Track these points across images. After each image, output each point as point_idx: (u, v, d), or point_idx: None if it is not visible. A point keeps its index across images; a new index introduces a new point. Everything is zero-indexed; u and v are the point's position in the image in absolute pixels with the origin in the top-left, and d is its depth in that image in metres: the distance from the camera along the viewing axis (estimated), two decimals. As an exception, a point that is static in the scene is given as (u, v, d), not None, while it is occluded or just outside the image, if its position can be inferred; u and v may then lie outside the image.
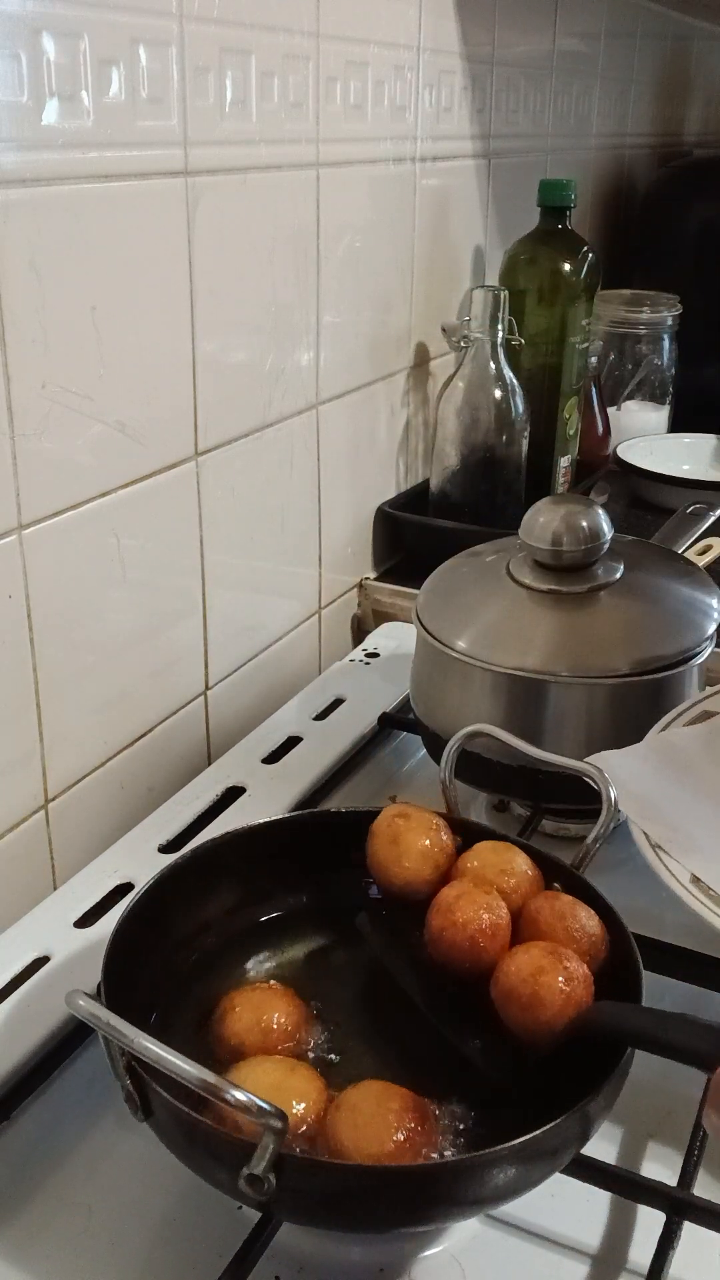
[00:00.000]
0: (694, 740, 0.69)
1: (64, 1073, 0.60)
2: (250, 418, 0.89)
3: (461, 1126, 0.51)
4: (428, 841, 0.61)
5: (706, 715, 0.72)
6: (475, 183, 1.21)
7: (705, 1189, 0.53)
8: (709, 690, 0.74)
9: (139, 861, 0.72)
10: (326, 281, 0.95)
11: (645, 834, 0.63)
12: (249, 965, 0.61)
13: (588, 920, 0.56)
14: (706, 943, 0.67)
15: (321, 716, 0.90)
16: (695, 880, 0.61)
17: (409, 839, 0.61)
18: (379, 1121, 0.47)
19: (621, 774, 0.64)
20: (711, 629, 0.76)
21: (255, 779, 0.82)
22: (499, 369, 1.09)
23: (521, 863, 0.60)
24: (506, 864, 0.60)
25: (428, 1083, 0.52)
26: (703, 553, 0.97)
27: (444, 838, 0.62)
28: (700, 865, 0.61)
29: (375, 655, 1.01)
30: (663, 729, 0.71)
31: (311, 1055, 0.55)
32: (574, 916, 0.56)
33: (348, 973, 0.61)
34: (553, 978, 0.51)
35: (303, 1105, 0.49)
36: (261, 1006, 0.55)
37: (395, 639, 1.04)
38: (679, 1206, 0.52)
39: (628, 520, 1.26)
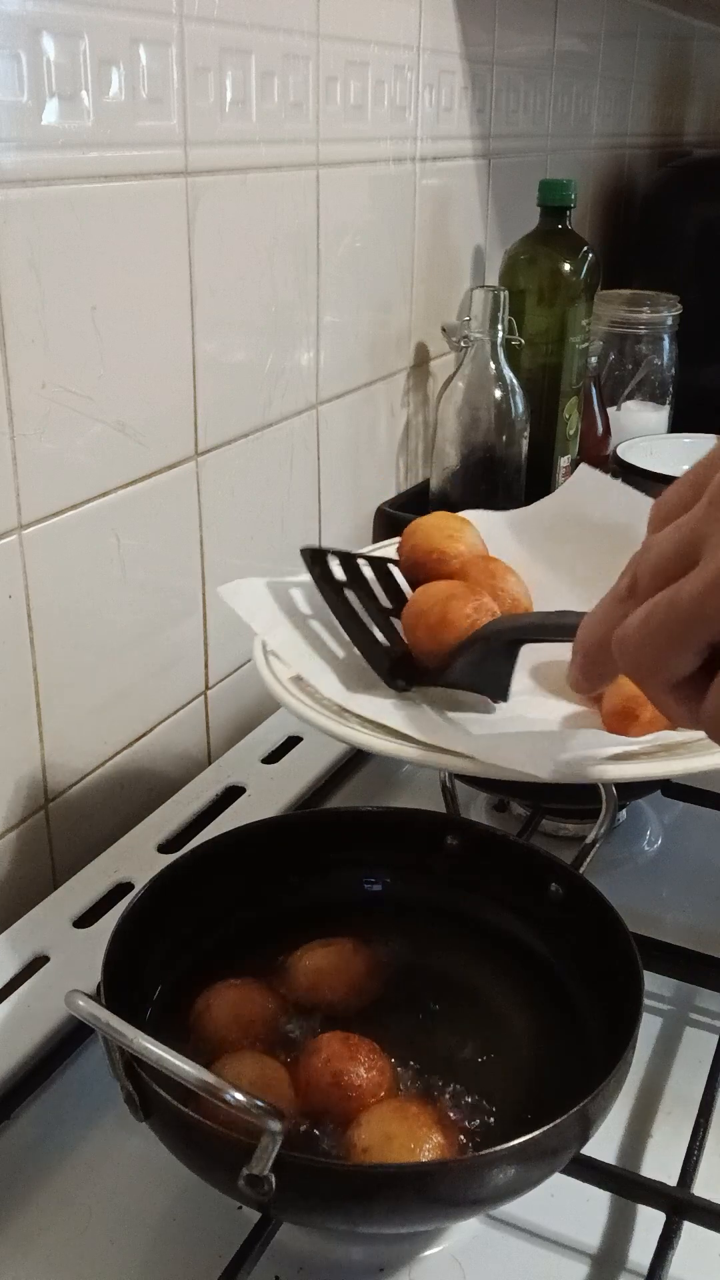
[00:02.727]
0: None
1: (64, 1073, 0.60)
2: (250, 418, 0.89)
3: (462, 1127, 0.51)
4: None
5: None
6: (475, 183, 1.21)
7: (705, 1189, 0.53)
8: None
9: (139, 861, 0.72)
10: (326, 281, 0.95)
11: (264, 643, 0.67)
12: (249, 965, 0.61)
13: (517, 586, 0.59)
14: (706, 943, 0.67)
15: (321, 716, 0.90)
16: (297, 679, 0.65)
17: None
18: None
19: (250, 596, 0.70)
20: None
21: (255, 779, 0.82)
22: (499, 369, 1.09)
23: (469, 533, 0.65)
24: (455, 529, 0.64)
25: (427, 1081, 0.53)
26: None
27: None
28: (306, 669, 0.65)
29: (375, 655, 1.01)
30: None
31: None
32: (505, 580, 0.60)
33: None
34: (463, 604, 0.54)
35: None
36: (238, 1004, 0.55)
37: (395, 639, 1.04)
38: (679, 1206, 0.52)
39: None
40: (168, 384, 0.79)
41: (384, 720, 0.60)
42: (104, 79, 0.68)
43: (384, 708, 0.61)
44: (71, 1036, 0.60)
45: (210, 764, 0.85)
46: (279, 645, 0.67)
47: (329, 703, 0.63)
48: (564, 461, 1.22)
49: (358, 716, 0.61)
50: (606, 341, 1.43)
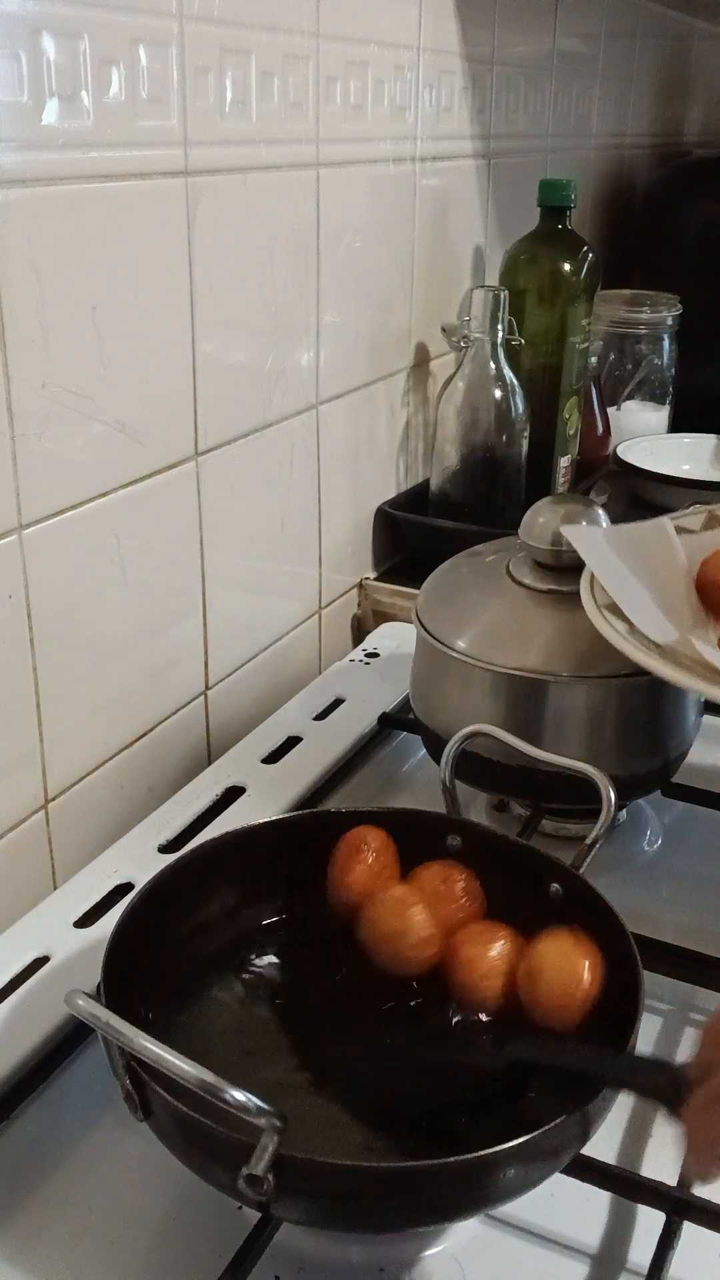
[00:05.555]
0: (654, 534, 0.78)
1: (64, 1073, 0.60)
2: (250, 418, 0.89)
3: (461, 1126, 0.51)
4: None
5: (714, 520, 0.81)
6: (475, 183, 1.21)
7: (705, 1189, 0.53)
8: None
9: (139, 861, 0.72)
10: (326, 281, 0.95)
11: (601, 590, 0.71)
12: (249, 965, 0.61)
13: None
14: (706, 943, 0.67)
15: (321, 716, 0.90)
16: (631, 629, 0.68)
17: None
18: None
19: (592, 542, 0.73)
20: (711, 629, 0.76)
21: (255, 779, 0.82)
22: (499, 369, 1.09)
23: None
24: None
25: (428, 1082, 0.53)
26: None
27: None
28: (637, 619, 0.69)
29: (375, 655, 1.01)
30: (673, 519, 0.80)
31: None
32: None
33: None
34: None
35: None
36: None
37: (395, 639, 1.04)
38: (679, 1206, 0.52)
39: (627, 520, 1.25)
40: (168, 384, 0.79)
41: (713, 660, 0.64)
42: (104, 79, 0.68)
43: (711, 651, 0.66)
44: (72, 1036, 0.60)
45: (210, 764, 0.85)
46: (611, 589, 0.71)
47: (655, 646, 0.67)
48: (564, 461, 1.22)
49: (688, 657, 0.65)
50: (606, 341, 1.43)
